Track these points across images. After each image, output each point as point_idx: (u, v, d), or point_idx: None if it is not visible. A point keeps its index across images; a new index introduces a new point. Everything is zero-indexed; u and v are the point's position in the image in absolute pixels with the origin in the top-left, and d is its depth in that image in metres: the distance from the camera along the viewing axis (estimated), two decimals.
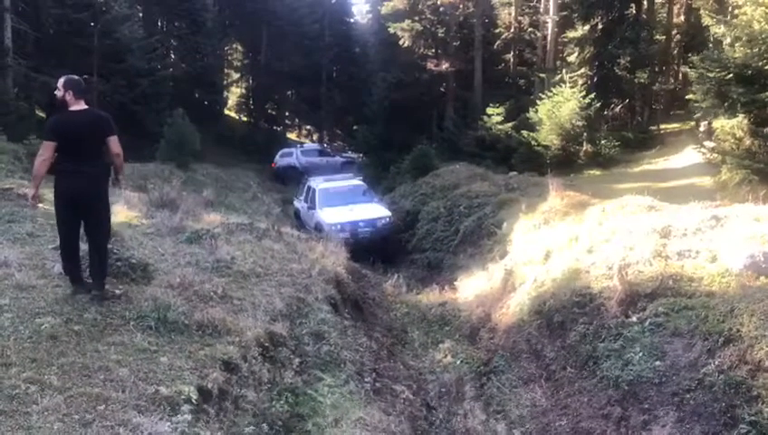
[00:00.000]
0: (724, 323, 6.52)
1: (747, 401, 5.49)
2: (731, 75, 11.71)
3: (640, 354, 6.88)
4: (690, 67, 13.52)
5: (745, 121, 11.86)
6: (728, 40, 12.79)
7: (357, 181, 20.06)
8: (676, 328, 7.08)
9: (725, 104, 12.04)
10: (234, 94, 51.72)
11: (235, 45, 50.23)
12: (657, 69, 28.85)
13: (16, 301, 5.84)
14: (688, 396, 6.00)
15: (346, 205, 17.38)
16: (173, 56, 40.15)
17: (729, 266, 8.01)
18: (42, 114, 27.14)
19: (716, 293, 7.57)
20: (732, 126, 12.15)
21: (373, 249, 15.60)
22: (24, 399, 4.16)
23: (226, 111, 48.73)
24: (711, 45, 17.81)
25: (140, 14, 32.78)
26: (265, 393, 5.47)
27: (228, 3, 43.05)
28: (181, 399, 4.58)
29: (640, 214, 10.26)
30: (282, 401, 5.48)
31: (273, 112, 48.58)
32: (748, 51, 11.72)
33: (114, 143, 6.08)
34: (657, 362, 6.66)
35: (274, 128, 47.48)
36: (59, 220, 6.23)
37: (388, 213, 17.59)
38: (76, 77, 6.26)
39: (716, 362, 6.12)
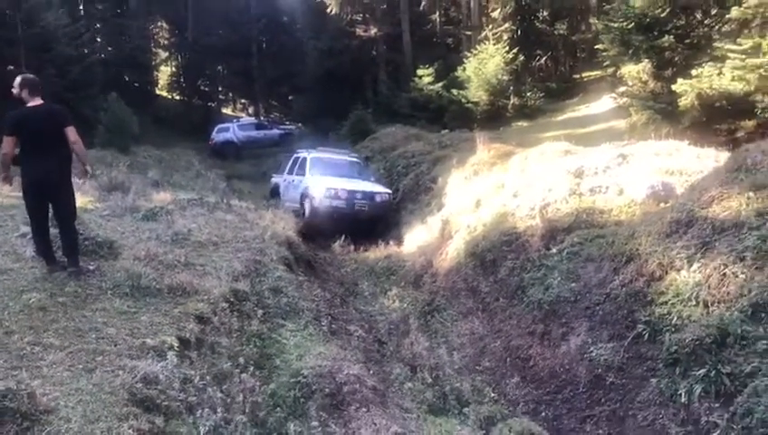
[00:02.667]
0: (627, 245, 7.58)
1: (643, 305, 6.55)
2: (632, 24, 12.83)
3: (558, 279, 7.93)
4: (598, 19, 14.61)
5: (649, 66, 12.99)
6: None
7: (353, 157, 17.85)
8: (588, 254, 8.14)
9: (630, 51, 13.16)
10: (164, 74, 51.02)
11: (160, 23, 49.45)
12: (576, 20, 30.10)
13: None
14: (598, 308, 7.07)
15: (341, 177, 15.43)
16: (99, 40, 39.47)
17: (634, 197, 9.15)
18: None
19: (624, 221, 8.68)
20: (637, 71, 13.26)
21: (364, 226, 14.36)
22: (32, 357, 4.84)
23: (159, 91, 48.19)
24: None
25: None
26: (236, 339, 6.27)
27: None
28: (165, 347, 5.34)
29: (558, 158, 11.31)
30: (251, 345, 6.29)
31: (206, 89, 48.15)
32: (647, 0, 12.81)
33: (71, 133, 6.58)
34: (573, 284, 7.71)
35: (209, 104, 47.20)
36: (28, 208, 6.81)
37: (389, 190, 15.77)
38: (30, 76, 6.81)
39: (620, 278, 7.18)
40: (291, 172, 16.92)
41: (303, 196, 14.86)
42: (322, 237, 13.60)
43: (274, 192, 17.95)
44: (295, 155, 17.49)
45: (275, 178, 18.58)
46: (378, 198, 14.96)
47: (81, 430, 3.91)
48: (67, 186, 6.84)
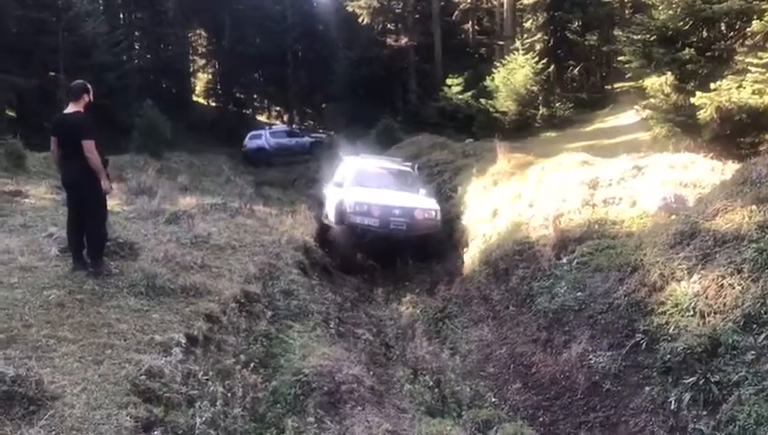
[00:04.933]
0: (633, 256, 7.66)
1: (643, 315, 6.64)
2: (654, 37, 12.86)
3: (565, 288, 8.03)
4: (621, 31, 14.68)
5: (671, 79, 12.99)
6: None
7: (405, 166, 15.36)
8: (597, 265, 8.22)
9: (652, 64, 13.18)
10: (201, 80, 52.08)
11: (198, 31, 50.49)
12: (607, 30, 29.97)
13: (23, 279, 6.79)
14: (600, 317, 7.15)
15: (382, 188, 13.27)
16: (137, 48, 40.53)
17: (646, 209, 9.21)
18: (12, 114, 27.70)
19: (635, 233, 8.73)
20: (660, 83, 13.27)
21: (402, 249, 12.17)
22: (46, 348, 5.15)
23: (195, 98, 49.16)
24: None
25: (101, 9, 33.13)
26: (243, 339, 6.54)
27: None
28: (173, 343, 5.61)
29: (575, 169, 11.37)
30: (257, 344, 6.56)
31: (242, 96, 49.09)
32: (670, 12, 12.82)
33: (86, 146, 6.80)
34: (579, 293, 7.80)
35: (244, 111, 48.04)
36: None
37: (436, 205, 13.02)
38: (75, 82, 7.20)
39: (623, 288, 7.26)
40: (333, 180, 14.58)
41: (339, 212, 12.60)
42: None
43: (322, 203, 15.46)
44: (342, 161, 15.55)
45: (324, 190, 15.79)
46: (419, 215, 12.41)
47: (83, 416, 4.19)
48: (92, 190, 7.11)
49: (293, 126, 43.30)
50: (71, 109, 6.98)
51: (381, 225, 12.07)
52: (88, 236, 7.20)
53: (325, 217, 13.88)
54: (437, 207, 13.01)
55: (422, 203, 12.89)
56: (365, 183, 13.37)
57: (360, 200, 12.28)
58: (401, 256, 12.09)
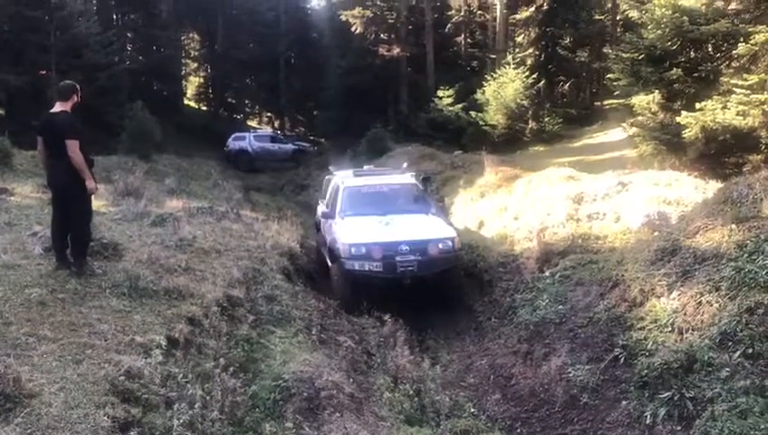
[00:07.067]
0: (615, 271, 7.76)
1: (623, 330, 6.71)
2: (642, 56, 13.05)
3: (547, 301, 8.11)
4: (611, 48, 14.89)
5: (658, 97, 13.17)
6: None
7: (407, 178, 12.45)
8: (579, 278, 8.32)
9: (640, 82, 13.35)
10: (192, 84, 51.99)
11: (191, 35, 50.48)
12: (598, 48, 30.30)
13: (5, 277, 6.76)
14: (580, 331, 7.22)
15: (383, 215, 10.79)
16: (129, 49, 40.41)
17: (629, 225, 9.35)
18: (0, 111, 27.53)
19: (617, 248, 8.86)
20: (647, 102, 13.45)
21: (418, 294, 9.86)
22: (25, 347, 5.14)
23: (186, 101, 49.02)
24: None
25: (95, 8, 33.04)
26: (224, 343, 6.53)
27: None
28: (153, 345, 5.61)
29: (561, 184, 11.52)
30: (239, 349, 6.55)
31: (233, 100, 49.06)
32: (659, 32, 13.00)
33: (69, 146, 6.76)
34: (560, 307, 7.88)
35: (235, 116, 47.97)
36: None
37: (452, 232, 10.45)
38: (63, 82, 7.20)
39: (604, 303, 7.36)
40: (328, 204, 12.36)
41: (332, 250, 10.55)
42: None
43: (318, 228, 13.33)
44: (332, 178, 13.08)
45: (319, 210, 13.65)
46: (432, 250, 9.84)
47: (60, 415, 4.19)
48: (76, 191, 7.07)
49: (278, 132, 43.26)
50: (57, 108, 6.97)
51: (386, 270, 9.71)
52: (72, 235, 7.19)
53: (323, 245, 11.73)
54: (454, 233, 10.47)
55: (435, 231, 10.31)
56: (360, 209, 11.07)
57: (355, 241, 9.97)
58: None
